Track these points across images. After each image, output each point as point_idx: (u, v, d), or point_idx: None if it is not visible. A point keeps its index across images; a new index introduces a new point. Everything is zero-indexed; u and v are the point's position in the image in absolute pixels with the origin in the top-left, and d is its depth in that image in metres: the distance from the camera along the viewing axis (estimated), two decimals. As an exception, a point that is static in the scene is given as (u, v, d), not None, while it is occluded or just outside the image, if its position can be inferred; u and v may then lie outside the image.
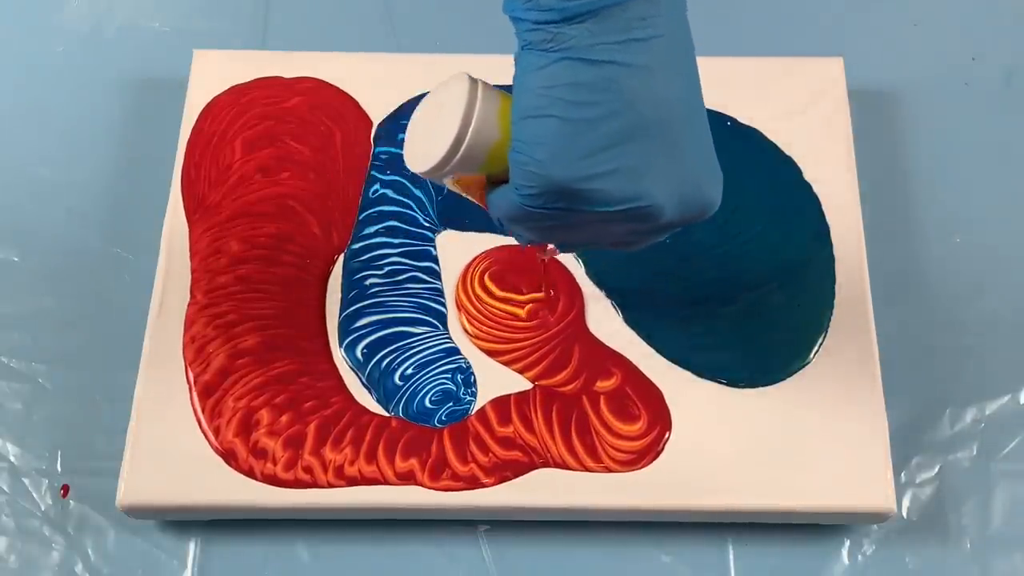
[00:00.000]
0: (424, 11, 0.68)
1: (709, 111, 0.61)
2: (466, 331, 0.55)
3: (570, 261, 0.57)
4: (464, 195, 0.43)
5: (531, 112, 0.37)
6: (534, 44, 0.37)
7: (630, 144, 0.37)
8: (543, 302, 0.56)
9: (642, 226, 0.40)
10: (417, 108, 0.42)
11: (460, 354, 0.55)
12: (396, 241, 0.58)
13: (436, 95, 0.41)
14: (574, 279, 0.57)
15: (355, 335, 0.55)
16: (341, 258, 0.58)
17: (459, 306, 0.56)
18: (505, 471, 0.52)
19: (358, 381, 0.54)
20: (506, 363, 0.55)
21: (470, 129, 0.39)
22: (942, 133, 0.64)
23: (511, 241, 0.57)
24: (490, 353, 0.55)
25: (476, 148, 0.39)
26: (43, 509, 0.55)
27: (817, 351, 0.55)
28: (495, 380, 0.54)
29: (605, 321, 0.56)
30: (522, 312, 0.56)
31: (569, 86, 0.36)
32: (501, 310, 0.56)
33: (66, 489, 0.55)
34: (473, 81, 0.40)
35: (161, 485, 0.51)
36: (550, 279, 0.57)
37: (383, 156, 0.60)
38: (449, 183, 0.42)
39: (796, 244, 0.57)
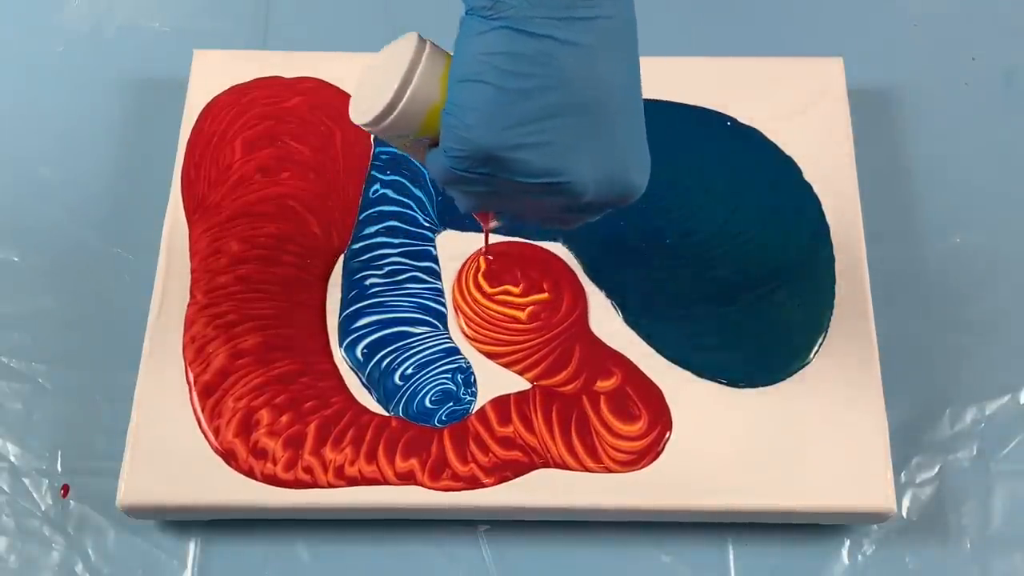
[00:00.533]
0: (424, 11, 0.68)
1: (709, 111, 0.62)
2: (465, 334, 0.55)
3: (571, 261, 0.57)
4: (411, 156, 0.43)
5: (466, 76, 0.37)
6: (476, 9, 0.37)
7: (559, 119, 0.37)
8: (544, 304, 0.56)
9: (564, 202, 0.40)
10: (368, 62, 0.42)
11: (460, 354, 0.55)
12: (396, 241, 0.58)
13: (386, 51, 0.41)
14: (577, 278, 0.57)
15: (355, 335, 0.55)
16: (341, 258, 0.58)
17: (456, 308, 0.56)
18: (505, 471, 0.52)
19: (358, 381, 0.54)
20: (506, 365, 0.55)
21: (409, 88, 0.39)
22: (942, 133, 0.64)
23: (509, 239, 0.57)
24: (489, 355, 0.55)
25: (414, 107, 0.40)
26: (43, 509, 0.55)
27: (817, 351, 0.55)
28: (495, 380, 0.54)
29: (605, 321, 0.56)
30: (522, 315, 0.56)
31: (506, 55, 0.37)
32: (500, 313, 0.56)
33: (66, 489, 0.55)
34: (421, 41, 0.40)
35: (161, 485, 0.51)
36: (488, 248, 0.57)
37: (383, 156, 0.60)
38: (397, 143, 0.43)
39: (796, 244, 0.57)
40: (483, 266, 0.57)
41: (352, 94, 0.42)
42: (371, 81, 0.41)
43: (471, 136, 0.37)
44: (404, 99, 0.40)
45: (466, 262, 0.57)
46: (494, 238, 0.58)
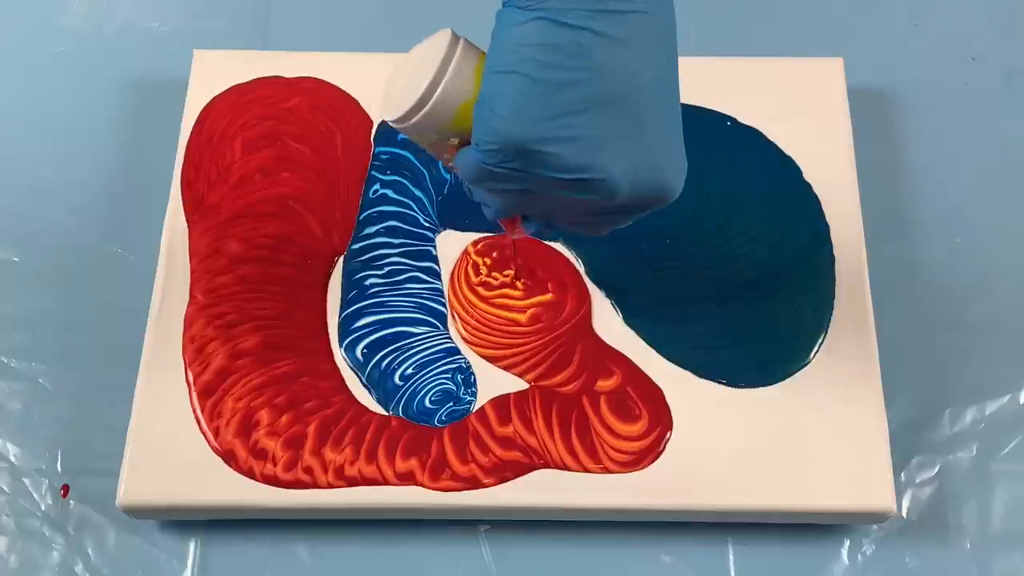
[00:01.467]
0: (424, 11, 0.68)
1: (710, 111, 0.62)
2: (463, 338, 0.55)
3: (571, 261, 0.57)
4: (436, 156, 0.43)
5: (500, 67, 0.37)
6: (514, 1, 0.37)
7: (593, 114, 0.37)
8: (547, 305, 0.56)
9: (596, 201, 0.39)
10: (399, 59, 0.42)
11: (460, 354, 0.55)
12: (396, 241, 0.58)
13: (420, 48, 0.41)
14: (582, 278, 0.57)
15: (355, 335, 0.55)
16: (341, 258, 0.58)
17: (453, 312, 0.56)
18: (505, 471, 0.52)
19: (359, 381, 0.54)
20: (505, 368, 0.55)
21: (442, 82, 0.39)
22: (942, 133, 0.64)
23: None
24: (489, 359, 0.55)
25: (446, 102, 0.39)
26: (43, 509, 0.55)
27: (817, 351, 0.55)
28: (495, 380, 0.54)
29: (605, 321, 0.56)
30: (523, 317, 0.56)
31: (541, 46, 0.36)
32: (499, 316, 0.56)
33: (66, 489, 0.55)
34: (455, 37, 0.40)
35: (161, 485, 0.52)
36: (519, 260, 0.56)
37: (383, 156, 0.60)
38: (424, 141, 0.42)
39: (796, 244, 0.57)
40: (474, 260, 0.57)
41: (383, 91, 0.42)
42: (403, 76, 0.41)
43: (503, 128, 0.37)
44: (437, 92, 0.39)
45: (455, 264, 0.57)
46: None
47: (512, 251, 0.56)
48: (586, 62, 0.37)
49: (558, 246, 0.58)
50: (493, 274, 0.57)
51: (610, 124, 0.37)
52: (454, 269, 0.57)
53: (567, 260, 0.57)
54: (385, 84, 0.42)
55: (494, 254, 0.57)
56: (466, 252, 0.57)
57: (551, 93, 0.37)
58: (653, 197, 0.40)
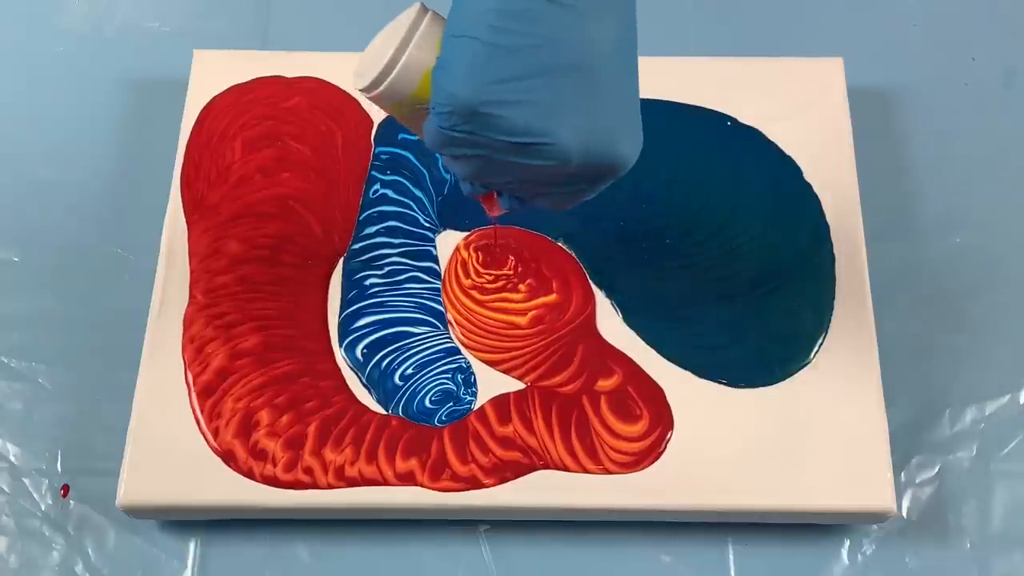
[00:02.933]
0: (424, 11, 0.68)
1: (709, 111, 0.62)
2: (461, 342, 0.55)
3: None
4: (411, 129, 0.44)
5: (457, 32, 0.38)
6: None
7: (545, 79, 0.38)
8: (549, 306, 0.56)
9: (551, 168, 0.40)
10: (376, 36, 0.43)
11: (460, 354, 0.55)
12: (396, 241, 0.58)
13: (392, 22, 0.42)
14: (587, 277, 0.57)
15: (355, 335, 0.55)
16: (341, 258, 0.58)
17: (449, 316, 0.56)
18: (505, 472, 0.52)
19: (359, 381, 0.54)
20: (505, 371, 0.54)
21: (407, 50, 0.40)
22: (942, 133, 0.64)
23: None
24: (488, 363, 0.55)
25: (411, 70, 0.41)
26: (43, 509, 0.55)
27: (817, 351, 0.55)
28: (495, 379, 0.54)
29: (605, 321, 0.56)
30: (523, 320, 0.56)
31: (497, 12, 0.37)
32: (497, 320, 0.56)
33: (66, 489, 0.55)
34: (424, 9, 0.41)
35: (161, 485, 0.52)
36: (500, 242, 0.57)
37: (384, 156, 0.60)
38: (397, 112, 0.43)
39: (796, 244, 0.57)
40: (463, 256, 0.57)
41: (357, 65, 0.43)
42: (373, 48, 0.42)
43: (456, 91, 0.38)
44: (401, 61, 0.41)
45: (447, 266, 0.57)
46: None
47: (494, 233, 0.56)
48: (539, 28, 0.37)
49: (561, 245, 0.58)
50: (487, 274, 0.57)
51: (561, 90, 0.38)
52: (446, 270, 0.57)
53: (572, 259, 0.57)
54: (360, 58, 0.43)
55: (482, 243, 0.57)
56: (456, 249, 0.57)
57: (503, 57, 0.37)
58: (605, 164, 0.40)
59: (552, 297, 0.56)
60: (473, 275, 0.57)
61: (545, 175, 0.41)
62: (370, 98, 0.42)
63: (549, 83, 0.38)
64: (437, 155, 0.43)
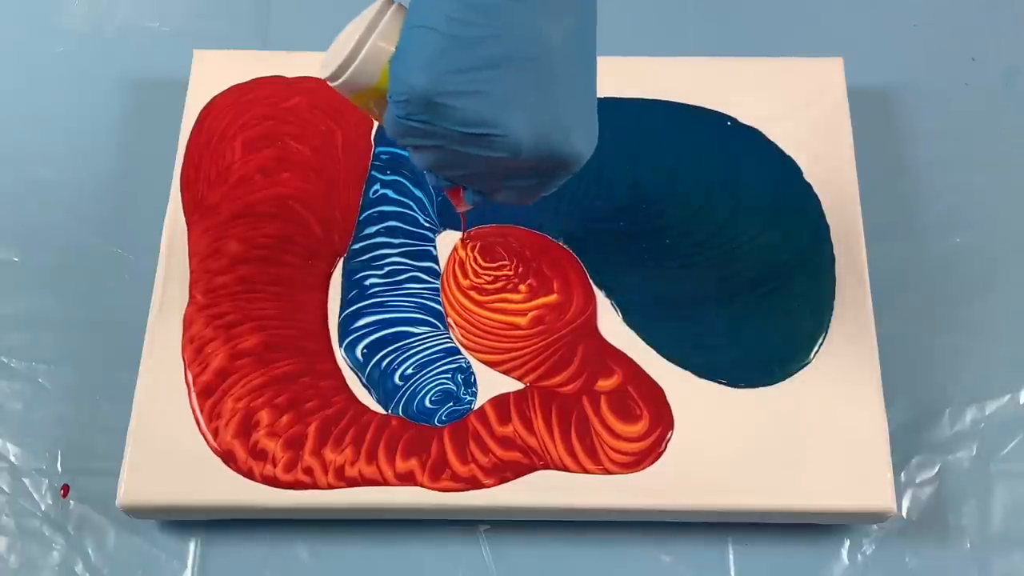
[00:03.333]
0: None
1: (709, 111, 0.62)
2: (460, 343, 0.55)
3: (570, 261, 0.58)
4: (374, 118, 0.45)
5: (416, 22, 0.39)
6: None
7: (498, 71, 0.38)
8: (550, 307, 0.56)
9: (505, 160, 0.40)
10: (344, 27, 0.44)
11: (460, 354, 0.55)
12: (396, 241, 0.58)
13: (360, 15, 0.43)
14: (588, 277, 0.57)
15: (355, 335, 0.55)
16: (341, 259, 0.58)
17: (448, 317, 0.56)
18: (505, 472, 0.52)
19: (359, 381, 0.54)
20: (505, 372, 0.54)
21: (368, 41, 0.41)
22: (942, 133, 0.64)
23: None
24: (488, 364, 0.55)
25: (372, 60, 0.41)
26: (43, 509, 0.55)
27: (817, 351, 0.55)
28: (495, 379, 0.54)
29: (605, 321, 0.56)
30: (523, 320, 0.56)
31: (456, 2, 0.38)
32: (497, 321, 0.56)
33: (66, 489, 0.55)
34: (388, 1, 0.42)
35: (161, 485, 0.52)
36: (468, 234, 0.57)
37: (384, 156, 0.60)
38: (362, 103, 0.44)
39: (796, 244, 0.57)
40: (461, 256, 0.57)
41: (325, 55, 0.44)
42: (339, 39, 0.43)
43: (412, 80, 0.38)
44: (362, 52, 0.41)
45: (445, 267, 0.57)
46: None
47: (463, 225, 0.57)
48: (495, 21, 0.38)
49: (562, 244, 0.58)
50: (486, 274, 0.57)
51: (515, 83, 0.39)
52: (444, 271, 0.57)
53: (573, 258, 0.57)
54: (329, 48, 0.44)
55: (478, 245, 0.57)
56: (454, 250, 0.57)
57: (459, 48, 0.38)
58: (557, 157, 0.41)
59: (553, 297, 0.56)
60: (472, 275, 0.57)
61: (500, 167, 0.41)
62: (334, 87, 0.43)
63: (504, 76, 0.38)
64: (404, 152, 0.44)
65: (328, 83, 0.43)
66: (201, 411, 0.53)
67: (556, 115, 0.40)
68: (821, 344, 0.55)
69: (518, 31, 0.38)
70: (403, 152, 0.60)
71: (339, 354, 0.55)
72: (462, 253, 0.57)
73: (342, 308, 0.56)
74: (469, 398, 0.54)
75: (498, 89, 0.38)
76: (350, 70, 0.42)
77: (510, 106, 0.39)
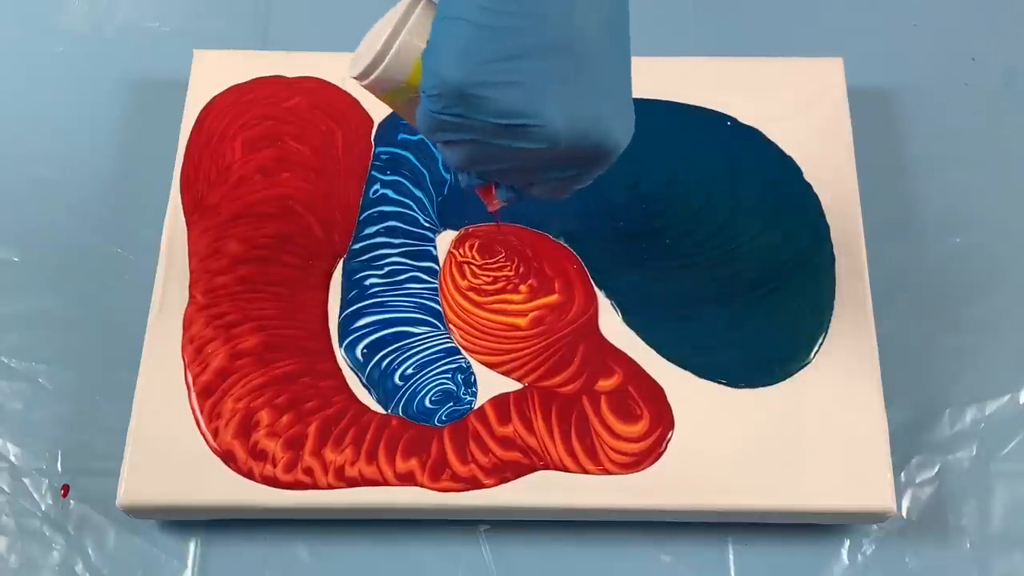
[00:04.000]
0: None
1: (709, 111, 0.62)
2: (460, 344, 0.55)
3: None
4: (404, 117, 0.44)
5: (448, 14, 0.38)
6: None
7: (533, 61, 0.38)
8: (550, 307, 0.56)
9: (541, 151, 0.40)
10: (373, 25, 0.44)
11: (460, 354, 0.55)
12: (396, 241, 0.58)
13: (388, 13, 0.43)
14: (589, 277, 0.57)
15: (355, 335, 0.55)
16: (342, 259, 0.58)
17: (447, 319, 0.56)
18: (505, 472, 0.52)
19: (359, 381, 0.54)
20: (505, 373, 0.54)
21: (399, 37, 0.41)
22: (942, 133, 0.64)
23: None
24: (488, 365, 0.55)
25: (403, 56, 0.41)
26: (43, 509, 0.55)
27: (817, 351, 0.55)
28: (495, 379, 0.54)
29: (605, 321, 0.56)
30: (522, 321, 0.56)
31: None
32: (496, 321, 0.56)
33: (66, 489, 0.55)
34: None
35: (161, 485, 0.52)
36: (501, 233, 0.57)
37: (384, 156, 0.60)
38: (392, 102, 0.44)
39: (796, 244, 0.57)
40: (459, 257, 0.57)
41: (354, 53, 0.43)
42: (368, 38, 0.43)
43: (444, 72, 0.38)
44: (393, 48, 0.41)
45: (441, 269, 0.57)
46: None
47: (496, 226, 0.57)
48: (528, 10, 0.37)
49: (562, 243, 0.58)
50: (484, 275, 0.57)
51: (550, 72, 0.38)
52: (441, 273, 0.57)
53: (575, 258, 0.57)
54: (359, 47, 0.43)
55: (476, 244, 0.57)
56: (449, 253, 0.57)
57: (492, 39, 0.37)
58: (594, 147, 0.40)
59: (554, 297, 0.56)
60: (470, 276, 0.57)
61: (535, 159, 0.41)
62: (364, 86, 0.43)
63: (538, 65, 0.38)
64: (438, 154, 0.43)
65: (358, 82, 0.43)
66: (201, 411, 0.53)
67: (593, 104, 0.39)
68: (821, 344, 0.55)
69: (552, 20, 0.38)
70: (403, 152, 0.60)
71: (339, 354, 0.55)
72: (459, 253, 0.57)
73: (342, 308, 0.56)
74: (469, 398, 0.54)
75: (533, 79, 0.38)
76: (381, 67, 0.41)
77: (546, 95, 0.38)
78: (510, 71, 0.38)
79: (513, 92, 0.38)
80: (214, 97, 0.61)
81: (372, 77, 0.42)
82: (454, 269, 0.57)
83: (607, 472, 0.52)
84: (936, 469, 0.56)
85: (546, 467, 0.52)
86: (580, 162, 0.41)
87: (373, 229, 0.58)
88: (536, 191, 0.44)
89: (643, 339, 0.55)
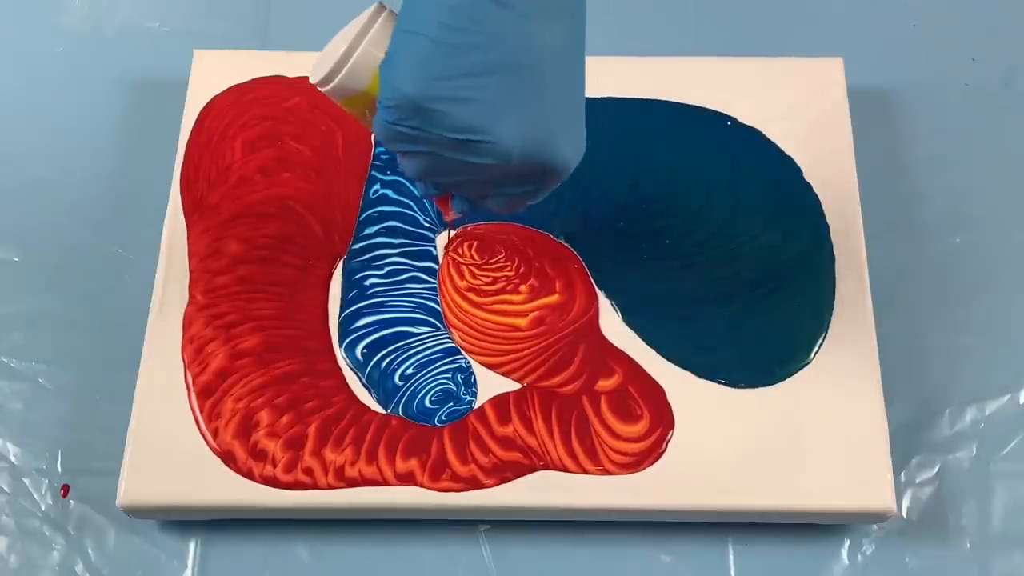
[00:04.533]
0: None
1: (709, 111, 0.62)
2: (460, 346, 0.55)
3: (570, 261, 0.58)
4: (364, 124, 0.45)
5: (406, 27, 0.39)
6: None
7: (487, 78, 0.38)
8: (551, 307, 0.56)
9: (492, 166, 0.40)
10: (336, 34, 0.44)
11: (460, 354, 0.55)
12: (396, 241, 0.58)
13: (353, 21, 0.43)
14: (590, 277, 0.57)
15: (355, 335, 0.55)
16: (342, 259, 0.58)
17: (446, 320, 0.56)
18: (505, 472, 0.52)
19: (359, 381, 0.54)
20: (505, 374, 0.54)
21: (359, 47, 0.42)
22: (942, 133, 0.64)
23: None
24: (487, 366, 0.55)
25: (362, 66, 0.42)
26: (43, 509, 0.55)
27: (817, 351, 0.55)
28: (495, 379, 0.54)
29: (605, 321, 0.56)
30: (522, 322, 0.56)
31: (446, 8, 0.38)
32: (495, 322, 0.56)
33: (66, 489, 0.55)
34: (381, 8, 0.43)
35: (161, 485, 0.52)
36: (454, 241, 0.58)
37: (384, 156, 0.60)
38: (353, 110, 0.44)
39: (796, 244, 0.57)
40: (457, 257, 0.57)
41: (316, 59, 0.44)
42: (330, 45, 0.43)
43: (400, 86, 0.38)
44: (352, 58, 0.42)
45: (439, 270, 0.57)
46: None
47: (448, 228, 0.57)
48: (485, 27, 0.38)
49: (563, 243, 0.58)
50: (483, 275, 0.57)
51: (504, 89, 0.39)
52: (439, 273, 0.57)
53: (576, 257, 0.57)
54: (320, 53, 0.44)
55: (475, 244, 0.57)
56: (446, 253, 0.57)
57: (449, 55, 0.38)
58: (545, 164, 0.41)
59: (555, 297, 0.56)
60: (469, 277, 0.57)
61: (488, 174, 0.41)
62: (324, 92, 0.43)
63: (493, 82, 0.38)
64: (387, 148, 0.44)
65: (319, 88, 0.43)
66: (201, 411, 0.53)
67: (545, 122, 0.40)
68: (821, 344, 0.55)
69: (508, 38, 0.38)
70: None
71: (339, 354, 0.55)
72: (455, 254, 0.57)
73: (342, 308, 0.56)
74: (469, 398, 0.54)
75: (487, 96, 0.39)
76: (340, 75, 0.42)
77: (499, 113, 0.39)
78: (465, 87, 0.38)
79: (467, 108, 0.39)
80: (214, 97, 0.61)
81: (331, 85, 0.43)
82: (452, 270, 0.57)
83: (607, 472, 0.52)
84: (936, 469, 0.56)
85: (546, 467, 0.52)
86: (531, 179, 0.42)
87: (373, 229, 0.58)
88: (491, 204, 0.45)
89: (643, 339, 0.55)
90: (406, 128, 0.40)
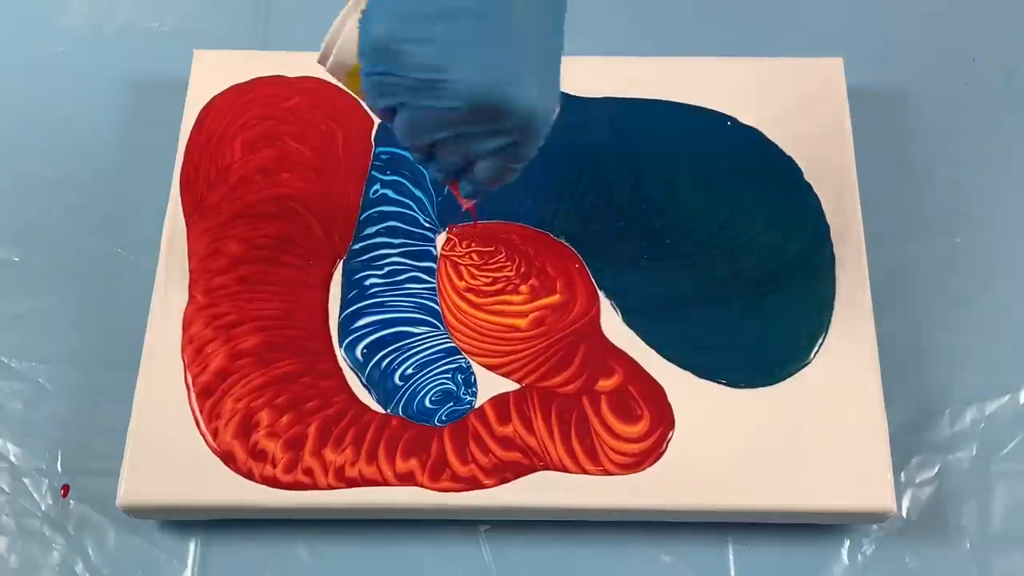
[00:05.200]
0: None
1: (709, 111, 0.62)
2: (460, 347, 0.55)
3: (570, 261, 0.58)
4: (364, 104, 0.45)
5: None
6: None
7: (452, 20, 0.39)
8: (551, 308, 0.56)
9: (454, 112, 0.41)
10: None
11: (460, 354, 0.55)
12: (396, 241, 0.58)
13: (352, 1, 0.44)
14: (590, 278, 0.57)
15: (355, 335, 0.55)
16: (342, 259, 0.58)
17: (446, 321, 0.56)
18: (505, 472, 0.52)
19: (359, 381, 0.54)
20: (504, 374, 0.54)
21: (351, 17, 0.42)
22: (942, 133, 0.64)
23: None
24: (487, 367, 0.55)
25: (354, 39, 0.42)
26: (43, 509, 0.55)
27: (817, 351, 0.55)
28: (495, 379, 0.54)
29: (606, 321, 0.56)
30: (522, 323, 0.56)
31: None
32: (495, 323, 0.56)
33: (66, 489, 0.55)
34: None
35: (161, 485, 0.52)
36: (475, 228, 0.58)
37: (384, 156, 0.60)
38: (353, 88, 0.45)
39: (796, 244, 0.57)
40: (455, 258, 0.57)
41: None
42: (333, 25, 0.44)
43: (370, 28, 0.40)
44: (344, 30, 0.43)
45: (437, 271, 0.57)
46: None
47: (472, 213, 0.57)
48: None
49: (563, 243, 0.58)
50: (482, 276, 0.57)
51: (467, 32, 0.40)
52: (438, 274, 0.57)
53: (576, 257, 0.57)
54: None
55: (474, 243, 0.57)
56: (443, 254, 0.57)
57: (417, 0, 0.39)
58: (505, 107, 0.41)
59: (555, 298, 0.56)
60: (468, 277, 0.57)
61: (458, 124, 0.42)
62: (327, 70, 0.44)
63: (457, 25, 0.39)
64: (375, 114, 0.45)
65: (323, 67, 0.44)
66: (201, 411, 0.53)
67: (507, 65, 0.40)
68: (821, 344, 0.55)
69: None
70: (403, 152, 0.60)
71: (339, 354, 0.55)
72: (454, 255, 0.57)
73: (342, 308, 0.56)
74: (469, 398, 0.54)
75: (448, 36, 0.39)
76: (335, 48, 0.43)
77: (459, 53, 0.40)
78: (428, 29, 0.39)
79: (428, 48, 0.40)
80: (214, 97, 0.61)
81: (329, 61, 0.44)
82: (450, 271, 0.57)
83: (607, 472, 0.52)
84: (936, 469, 0.56)
85: (546, 467, 0.52)
86: (502, 128, 0.42)
87: (373, 229, 0.58)
88: (480, 171, 0.45)
89: (643, 339, 0.55)
90: (379, 76, 0.41)
